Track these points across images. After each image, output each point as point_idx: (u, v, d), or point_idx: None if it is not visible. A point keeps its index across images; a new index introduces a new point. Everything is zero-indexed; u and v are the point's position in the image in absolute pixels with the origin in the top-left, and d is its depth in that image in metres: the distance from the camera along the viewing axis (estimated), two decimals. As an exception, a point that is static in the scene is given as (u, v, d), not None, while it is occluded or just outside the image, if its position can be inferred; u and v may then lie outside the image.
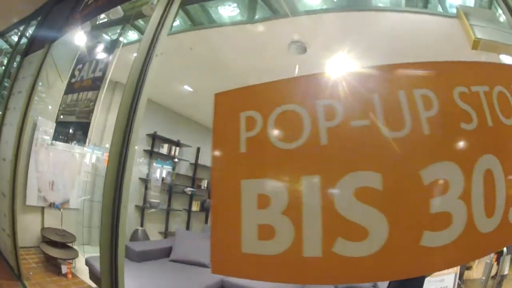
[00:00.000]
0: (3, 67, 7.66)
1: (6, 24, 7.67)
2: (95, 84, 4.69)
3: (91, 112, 4.50)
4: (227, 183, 1.83)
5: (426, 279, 4.13)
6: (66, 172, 7.41)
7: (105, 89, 4.72)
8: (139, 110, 3.03)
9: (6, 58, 7.84)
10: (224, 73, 7.13)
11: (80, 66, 5.16)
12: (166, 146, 10.03)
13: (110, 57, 4.78)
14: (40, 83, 5.96)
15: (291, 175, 1.78)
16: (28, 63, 6.33)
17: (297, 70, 5.96)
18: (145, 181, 9.69)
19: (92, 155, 8.12)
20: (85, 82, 4.92)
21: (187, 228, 11.45)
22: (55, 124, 5.30)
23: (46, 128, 6.56)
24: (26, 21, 7.08)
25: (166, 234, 10.54)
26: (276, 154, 1.80)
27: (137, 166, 8.78)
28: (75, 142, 4.70)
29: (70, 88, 5.17)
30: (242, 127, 1.85)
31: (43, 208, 6.81)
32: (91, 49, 5.16)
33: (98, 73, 4.70)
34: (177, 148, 10.39)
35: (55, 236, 6.59)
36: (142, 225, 9.39)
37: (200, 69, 7.26)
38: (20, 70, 6.47)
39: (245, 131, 1.84)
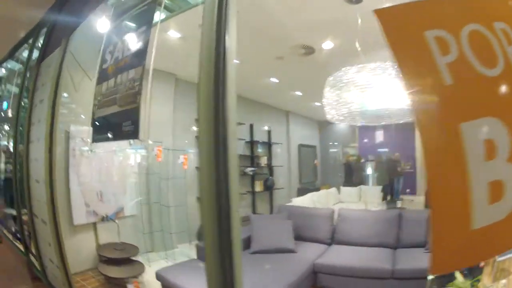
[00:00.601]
0: (19, 88, 6.78)
1: (13, 42, 6.90)
2: (137, 59, 3.77)
3: (137, 94, 3.55)
4: (441, 131, 1.38)
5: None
6: (114, 177, 6.63)
7: (152, 61, 3.72)
8: (229, 87, 2.03)
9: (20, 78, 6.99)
10: (276, 34, 6.47)
11: (110, 47, 4.24)
12: None
13: (147, 29, 3.77)
14: (65, 89, 5.18)
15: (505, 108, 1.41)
16: (46, 68, 5.51)
17: (359, 21, 5.19)
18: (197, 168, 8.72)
19: (140, 151, 7.28)
20: (122, 62, 4.00)
21: (253, 211, 10.76)
22: (91, 125, 4.35)
23: (82, 135, 5.78)
24: (34, 31, 6.15)
25: (233, 221, 9.66)
26: (484, 84, 1.42)
27: (183, 155, 7.91)
28: (122, 137, 3.78)
29: (104, 75, 4.28)
30: (435, 50, 1.39)
31: (95, 223, 6.05)
32: (119, 28, 4.18)
33: (138, 46, 3.79)
34: None
35: (114, 252, 5.88)
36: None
37: (248, 35, 6.38)
38: (38, 78, 5.67)
39: (440, 55, 1.39)
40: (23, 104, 6.24)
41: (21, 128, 5.98)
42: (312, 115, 14.10)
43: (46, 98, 4.95)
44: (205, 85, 2.00)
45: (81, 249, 5.74)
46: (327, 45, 6.82)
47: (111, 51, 4.19)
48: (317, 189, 12.56)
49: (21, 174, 5.76)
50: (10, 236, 7.15)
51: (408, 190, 13.07)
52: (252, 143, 10.77)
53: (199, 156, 1.99)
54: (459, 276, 3.49)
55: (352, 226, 6.36)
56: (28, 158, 5.44)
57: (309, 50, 7.00)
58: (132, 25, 3.99)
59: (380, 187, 12.17)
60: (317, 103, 11.65)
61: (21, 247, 6.37)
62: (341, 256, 5.69)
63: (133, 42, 3.82)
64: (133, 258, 5.98)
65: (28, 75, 6.23)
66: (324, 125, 14.95)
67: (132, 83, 3.67)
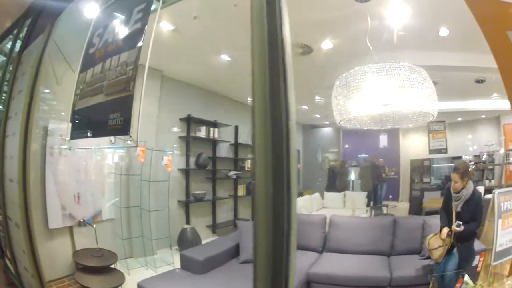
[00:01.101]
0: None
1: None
2: (132, 40, 3.30)
3: (130, 80, 3.10)
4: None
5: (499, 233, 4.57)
6: (92, 177, 6.19)
7: (151, 43, 3.22)
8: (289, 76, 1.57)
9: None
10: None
11: (100, 30, 3.82)
12: (203, 128, 8.84)
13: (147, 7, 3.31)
14: (46, 82, 4.97)
15: None
16: (27, 56, 5.09)
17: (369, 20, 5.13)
18: (186, 172, 8.57)
19: (120, 151, 6.91)
20: (113, 45, 3.59)
21: (235, 216, 10.37)
22: (70, 119, 4.03)
23: (61, 132, 5.31)
24: (20, 21, 5.69)
25: (214, 227, 9.43)
26: None
27: (168, 156, 7.51)
28: (107, 133, 3.39)
29: (89, 60, 3.85)
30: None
31: (71, 227, 5.60)
32: (112, 8, 3.78)
33: (134, 26, 3.32)
34: (215, 130, 9.02)
35: (91, 259, 5.44)
36: (188, 222, 8.43)
37: (245, 31, 5.78)
38: (19, 67, 5.23)
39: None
40: (3, 97, 5.73)
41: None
42: (296, 119, 13.69)
43: (25, 87, 4.51)
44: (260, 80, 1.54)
45: (56, 255, 5.33)
46: (326, 45, 6.50)
47: (100, 33, 3.77)
48: (300, 194, 12.20)
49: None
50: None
51: (390, 196, 12.88)
52: (236, 146, 10.30)
53: (255, 167, 1.54)
54: (470, 281, 3.73)
55: (345, 233, 6.15)
56: (3, 155, 4.96)
57: (307, 50, 6.63)
58: (128, 3, 3.53)
59: (365, 193, 11.96)
60: (304, 106, 11.39)
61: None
62: (335, 265, 5.46)
63: (127, 21, 3.40)
64: (112, 266, 5.59)
65: (10, 67, 5.70)
66: (307, 129, 14.76)
67: (123, 67, 3.25)
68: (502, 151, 10.46)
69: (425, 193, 11.28)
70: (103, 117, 3.33)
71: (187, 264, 5.23)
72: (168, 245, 7.44)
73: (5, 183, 4.89)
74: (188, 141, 8.55)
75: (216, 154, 9.53)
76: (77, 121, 3.90)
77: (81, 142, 4.10)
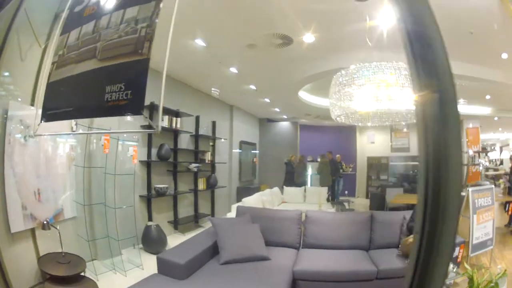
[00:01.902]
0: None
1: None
2: None
3: (145, 40, 2.41)
4: None
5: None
6: (53, 170, 5.39)
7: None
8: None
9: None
10: (256, 18, 5.56)
11: None
12: (166, 118, 8.34)
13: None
14: (8, 57, 4.02)
15: None
16: None
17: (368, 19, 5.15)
18: (147, 164, 7.94)
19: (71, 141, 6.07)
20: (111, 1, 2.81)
21: (196, 210, 9.85)
22: (45, 93, 3.20)
23: (22, 115, 4.59)
24: None
25: (176, 223, 8.82)
26: None
27: (133, 147, 7.04)
28: (108, 111, 2.57)
29: (75, 20, 3.10)
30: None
31: (33, 230, 4.79)
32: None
33: None
34: (178, 119, 8.35)
35: (59, 267, 4.69)
36: (151, 219, 7.83)
37: (224, 14, 5.53)
38: None
39: None
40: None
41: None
42: (255, 111, 13.29)
43: None
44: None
45: (21, 263, 4.53)
46: (308, 38, 6.16)
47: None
48: (257, 188, 12.03)
49: None
50: None
51: (346, 192, 12.84)
52: (197, 137, 9.87)
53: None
54: (468, 267, 3.82)
55: (322, 229, 5.92)
56: None
57: (287, 41, 6.19)
58: None
59: (325, 188, 11.54)
60: (266, 99, 10.92)
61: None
62: (319, 260, 5.23)
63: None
64: (82, 274, 4.90)
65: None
66: (263, 122, 14.39)
67: (131, 25, 2.52)
68: (471, 152, 11.11)
69: (387, 190, 11.00)
70: (95, 90, 2.61)
71: (166, 268, 4.64)
72: (131, 244, 6.92)
73: None
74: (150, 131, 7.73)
75: (177, 146, 8.90)
76: (52, 98, 3.12)
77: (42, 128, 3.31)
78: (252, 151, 13.77)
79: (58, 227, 4.86)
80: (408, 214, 5.66)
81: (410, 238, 4.76)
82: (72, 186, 5.80)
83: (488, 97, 10.14)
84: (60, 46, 3.12)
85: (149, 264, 5.96)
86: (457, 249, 5.02)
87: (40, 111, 3.15)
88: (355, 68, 5.43)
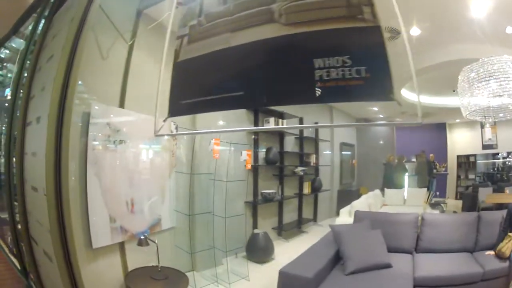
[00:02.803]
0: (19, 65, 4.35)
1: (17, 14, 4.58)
2: None
3: (364, 4, 1.70)
4: None
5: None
6: (150, 178, 4.35)
7: None
8: None
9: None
10: None
11: None
12: (272, 120, 6.98)
13: None
14: (87, 56, 2.97)
15: None
16: (61, 17, 3.35)
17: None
18: (254, 168, 6.71)
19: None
20: None
21: (299, 215, 8.52)
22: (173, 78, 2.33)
23: (109, 118, 3.58)
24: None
25: (280, 229, 7.53)
26: None
27: (247, 150, 5.86)
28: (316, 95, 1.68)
29: None
30: None
31: (122, 244, 3.74)
32: None
33: None
34: (284, 121, 7.49)
35: (152, 284, 3.61)
36: (256, 226, 6.62)
37: None
38: (49, 31, 3.45)
39: None
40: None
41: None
42: (352, 111, 11.87)
43: (57, 51, 2.67)
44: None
45: (101, 281, 3.53)
46: (415, 31, 5.14)
47: None
48: (357, 191, 10.98)
49: (11, 175, 3.48)
50: (5, 248, 4.79)
51: (437, 193, 11.08)
52: (301, 139, 8.48)
53: None
54: None
55: (437, 232, 5.18)
56: (22, 151, 3.09)
57: (394, 35, 4.91)
58: None
59: (424, 189, 10.09)
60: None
61: (18, 264, 4.02)
62: (438, 266, 4.58)
63: None
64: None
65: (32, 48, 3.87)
66: (360, 122, 12.98)
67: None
68: None
69: (479, 189, 9.56)
70: (288, 65, 1.79)
71: (291, 283, 3.83)
72: (233, 253, 5.73)
73: (25, 191, 3.03)
74: (256, 134, 6.70)
75: (283, 149, 7.68)
76: (189, 82, 2.07)
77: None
78: (350, 153, 12.25)
79: (156, 241, 3.71)
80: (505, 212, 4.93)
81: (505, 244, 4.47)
82: (172, 194, 4.68)
83: None
84: (190, 15, 2.27)
85: (255, 275, 5.17)
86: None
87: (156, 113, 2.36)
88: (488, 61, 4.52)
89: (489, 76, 4.47)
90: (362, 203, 7.79)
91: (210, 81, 2.03)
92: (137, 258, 3.87)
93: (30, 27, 4.36)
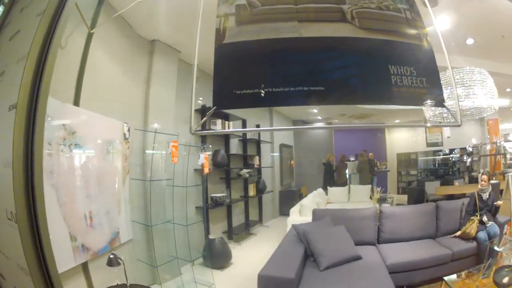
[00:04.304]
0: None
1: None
2: None
3: (418, 27, 1.96)
4: None
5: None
6: (106, 187, 3.78)
7: None
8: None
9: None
10: None
11: None
12: (219, 122, 6.58)
13: None
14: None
15: None
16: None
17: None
18: (201, 172, 6.04)
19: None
20: None
21: (246, 217, 8.15)
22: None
23: (64, 118, 3.01)
24: None
25: (230, 233, 7.16)
26: None
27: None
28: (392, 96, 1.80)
29: None
30: None
31: (85, 264, 3.16)
32: None
33: None
34: (230, 123, 6.87)
35: None
36: (208, 231, 6.19)
37: None
38: (15, 5, 2.80)
39: None
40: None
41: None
42: (290, 114, 11.74)
43: (25, 29, 2.31)
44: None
45: None
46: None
47: None
48: (298, 191, 11.05)
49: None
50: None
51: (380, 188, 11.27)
52: (245, 141, 8.21)
53: None
54: None
55: (397, 223, 5.45)
56: None
57: None
58: None
59: (367, 186, 10.36)
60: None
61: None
62: (405, 252, 4.83)
63: None
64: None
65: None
66: (298, 124, 12.89)
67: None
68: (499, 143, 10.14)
69: (426, 183, 10.10)
70: (365, 67, 1.87)
71: (271, 286, 3.64)
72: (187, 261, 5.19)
73: None
74: (203, 137, 6.24)
75: (229, 151, 7.29)
76: (240, 69, 1.97)
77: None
78: (289, 153, 12.10)
79: (122, 258, 3.17)
80: (466, 201, 5.42)
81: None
82: (126, 204, 4.15)
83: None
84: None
85: (219, 282, 4.89)
86: (505, 226, 5.05)
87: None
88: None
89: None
90: (311, 202, 7.71)
91: (278, 71, 1.75)
92: (102, 278, 3.34)
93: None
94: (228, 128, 6.77)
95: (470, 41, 5.40)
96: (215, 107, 1.95)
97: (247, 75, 1.95)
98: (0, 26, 2.71)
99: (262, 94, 1.85)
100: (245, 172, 7.60)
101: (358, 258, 4.50)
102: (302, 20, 1.88)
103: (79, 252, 3.07)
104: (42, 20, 2.15)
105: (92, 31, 3.30)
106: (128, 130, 4.15)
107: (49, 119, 2.68)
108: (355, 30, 1.91)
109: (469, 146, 9.94)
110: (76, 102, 3.23)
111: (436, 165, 11.78)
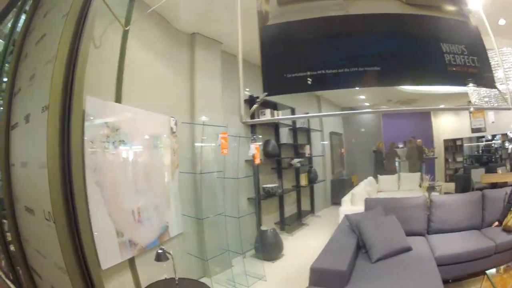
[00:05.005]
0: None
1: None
2: None
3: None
4: None
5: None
6: (155, 182, 3.70)
7: None
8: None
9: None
10: None
11: None
12: (267, 111, 6.37)
13: None
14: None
15: None
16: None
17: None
18: (252, 163, 5.79)
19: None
20: None
21: (298, 208, 7.98)
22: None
23: (106, 116, 2.92)
24: None
25: (282, 224, 6.97)
26: None
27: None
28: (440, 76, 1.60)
29: None
30: None
31: (132, 259, 3.13)
32: None
33: None
34: (279, 112, 6.79)
35: None
36: (260, 222, 5.92)
37: None
38: (38, 10, 2.77)
39: None
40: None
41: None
42: (339, 101, 11.45)
43: (51, 32, 2.10)
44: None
45: None
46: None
47: None
48: (349, 180, 10.73)
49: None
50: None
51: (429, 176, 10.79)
52: (295, 131, 7.92)
53: None
54: None
55: (446, 213, 5.09)
56: (7, 161, 2.44)
57: None
58: None
59: (417, 174, 9.96)
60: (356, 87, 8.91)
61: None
62: (453, 244, 4.47)
63: None
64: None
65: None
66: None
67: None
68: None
69: (472, 171, 9.74)
70: (413, 45, 1.69)
71: (323, 279, 3.46)
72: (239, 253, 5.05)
73: (18, 213, 2.39)
74: (253, 126, 6.07)
75: (279, 141, 7.06)
76: (285, 51, 1.81)
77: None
78: (339, 141, 11.77)
79: (171, 251, 3.09)
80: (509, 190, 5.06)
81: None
82: (176, 198, 4.07)
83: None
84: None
85: (270, 274, 4.74)
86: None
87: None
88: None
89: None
90: (362, 190, 7.36)
91: (328, 51, 1.62)
92: (149, 273, 3.27)
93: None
94: (277, 115, 6.60)
95: (502, 21, 5.05)
96: (266, 93, 1.80)
97: (297, 57, 1.81)
98: (25, 33, 2.67)
99: (314, 77, 1.70)
100: (296, 161, 7.38)
101: (408, 249, 4.29)
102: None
103: (126, 247, 3.00)
104: (67, 21, 2.06)
105: (127, 28, 3.22)
106: (175, 124, 4.07)
107: (91, 118, 2.62)
108: (402, 7, 1.75)
109: (510, 132, 9.41)
110: (118, 99, 3.17)
111: (480, 151, 11.26)
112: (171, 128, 3.96)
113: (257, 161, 5.05)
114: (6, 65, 3.38)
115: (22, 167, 2.34)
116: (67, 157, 1.98)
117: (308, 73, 1.72)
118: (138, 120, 3.38)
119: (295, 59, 1.79)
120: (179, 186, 4.18)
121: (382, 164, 11.20)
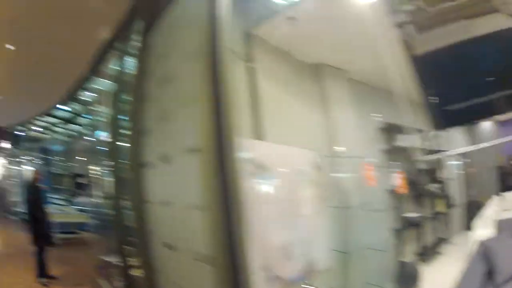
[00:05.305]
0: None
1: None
2: None
3: None
4: None
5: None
6: (302, 217, 3.61)
7: None
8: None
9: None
10: None
11: None
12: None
13: None
14: None
15: None
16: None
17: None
18: (392, 192, 5.55)
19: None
20: None
21: (435, 236, 7.32)
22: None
23: (250, 152, 2.86)
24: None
25: (422, 254, 6.38)
26: None
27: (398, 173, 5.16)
28: None
29: None
30: None
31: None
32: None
33: None
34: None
35: None
36: (401, 253, 5.57)
37: None
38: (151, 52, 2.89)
39: None
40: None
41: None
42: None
43: (181, 72, 2.15)
44: None
45: None
46: None
47: None
48: (480, 201, 9.14)
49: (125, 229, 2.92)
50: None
51: None
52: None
53: None
54: None
55: None
56: (139, 197, 2.49)
57: None
58: None
59: None
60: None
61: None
62: None
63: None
64: None
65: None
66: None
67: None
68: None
69: None
70: None
71: None
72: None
73: (151, 246, 2.46)
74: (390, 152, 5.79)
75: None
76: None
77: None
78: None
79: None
80: None
81: None
82: (323, 231, 3.92)
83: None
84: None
85: None
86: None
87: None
88: None
89: None
90: (491, 211, 6.60)
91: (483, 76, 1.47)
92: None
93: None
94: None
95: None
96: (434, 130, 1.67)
97: (457, 86, 1.64)
98: (140, 74, 2.73)
99: (489, 104, 1.56)
100: (434, 187, 7.00)
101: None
102: (465, 16, 1.64)
103: (272, 282, 2.92)
104: (198, 63, 2.05)
105: (251, 66, 3.22)
106: (319, 158, 3.97)
107: (242, 157, 2.64)
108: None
109: None
110: (257, 136, 3.17)
111: None
112: (315, 163, 3.86)
113: (402, 190, 4.73)
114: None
115: (163, 206, 2.38)
116: (225, 199, 1.94)
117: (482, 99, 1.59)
118: (282, 156, 3.34)
119: (454, 89, 1.66)
120: (325, 220, 4.03)
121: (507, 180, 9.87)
